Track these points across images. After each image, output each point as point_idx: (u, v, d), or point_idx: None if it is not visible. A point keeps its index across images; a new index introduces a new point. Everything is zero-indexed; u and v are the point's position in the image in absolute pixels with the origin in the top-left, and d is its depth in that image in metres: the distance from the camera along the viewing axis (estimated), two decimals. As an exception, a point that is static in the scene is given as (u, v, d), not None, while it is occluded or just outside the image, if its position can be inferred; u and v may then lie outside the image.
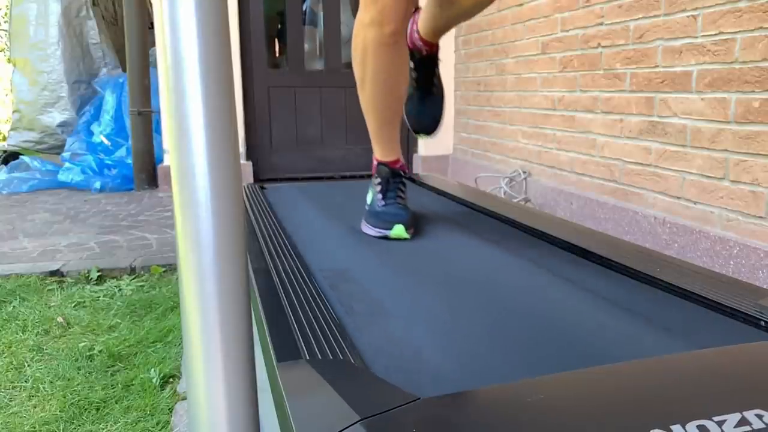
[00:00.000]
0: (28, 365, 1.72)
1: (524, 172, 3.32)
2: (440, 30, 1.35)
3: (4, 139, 6.36)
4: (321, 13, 4.53)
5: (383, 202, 1.26)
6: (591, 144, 2.75)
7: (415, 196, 1.69)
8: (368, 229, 1.25)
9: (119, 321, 2.02)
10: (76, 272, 2.46)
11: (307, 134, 4.52)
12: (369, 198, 1.33)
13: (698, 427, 0.46)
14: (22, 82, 5.13)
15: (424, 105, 1.45)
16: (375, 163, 1.35)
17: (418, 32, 1.37)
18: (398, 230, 1.17)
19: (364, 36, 1.16)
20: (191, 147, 0.46)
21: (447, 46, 4.37)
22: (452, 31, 4.33)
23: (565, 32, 2.90)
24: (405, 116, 1.45)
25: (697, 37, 2.10)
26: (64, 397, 1.54)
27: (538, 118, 3.20)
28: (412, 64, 1.39)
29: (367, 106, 1.26)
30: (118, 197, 4.05)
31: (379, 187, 1.30)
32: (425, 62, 1.41)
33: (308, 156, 4.51)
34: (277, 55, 4.54)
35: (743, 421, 0.46)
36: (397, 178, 1.31)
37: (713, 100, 2.04)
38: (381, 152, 1.33)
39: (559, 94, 2.99)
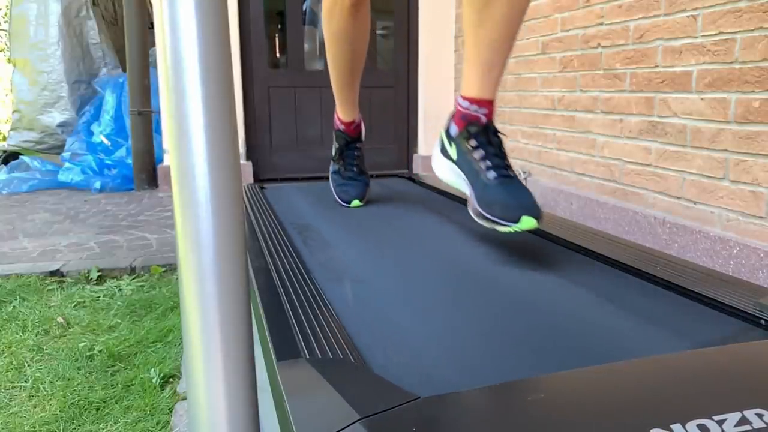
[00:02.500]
0: (28, 365, 1.72)
1: (524, 172, 3.32)
2: (489, 67, 1.10)
3: (4, 139, 6.36)
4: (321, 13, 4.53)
5: (344, 172, 1.57)
6: (591, 144, 2.75)
7: (415, 195, 1.69)
8: (335, 195, 1.57)
9: (119, 321, 2.02)
10: (76, 272, 2.46)
11: (307, 134, 4.52)
12: (333, 151, 1.63)
13: (698, 426, 0.46)
14: (22, 82, 5.13)
15: (507, 187, 1.07)
16: (336, 119, 1.59)
17: (466, 99, 1.12)
18: (354, 203, 1.51)
19: (333, 3, 1.35)
20: (191, 147, 0.46)
21: (447, 46, 4.38)
22: (451, 30, 4.34)
23: (565, 32, 2.90)
24: (487, 212, 1.05)
25: (697, 37, 2.10)
26: (64, 397, 1.54)
27: (538, 118, 3.20)
28: (474, 143, 1.11)
29: (331, 61, 1.46)
30: (118, 197, 4.05)
31: (338, 154, 1.60)
32: (488, 133, 1.11)
33: (308, 156, 4.51)
34: (277, 55, 4.55)
35: (743, 421, 0.46)
36: (351, 146, 1.58)
37: (713, 100, 2.04)
38: (340, 109, 1.55)
39: (559, 94, 2.99)
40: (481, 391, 0.54)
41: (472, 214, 1.09)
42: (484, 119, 1.11)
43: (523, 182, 1.08)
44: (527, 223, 1.00)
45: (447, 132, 1.18)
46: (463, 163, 1.14)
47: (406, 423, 0.48)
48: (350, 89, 1.51)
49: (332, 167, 1.63)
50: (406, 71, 4.55)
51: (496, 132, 1.12)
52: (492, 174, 1.08)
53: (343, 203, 1.52)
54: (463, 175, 1.14)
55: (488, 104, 1.11)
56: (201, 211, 0.47)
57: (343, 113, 1.57)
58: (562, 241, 1.14)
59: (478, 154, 1.11)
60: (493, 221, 1.04)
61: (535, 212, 1.01)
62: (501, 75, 1.12)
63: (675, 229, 2.22)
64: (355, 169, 1.57)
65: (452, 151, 1.16)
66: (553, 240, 1.17)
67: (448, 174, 1.19)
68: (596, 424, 0.48)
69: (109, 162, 4.46)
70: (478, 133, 1.11)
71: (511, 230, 1.02)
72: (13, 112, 5.35)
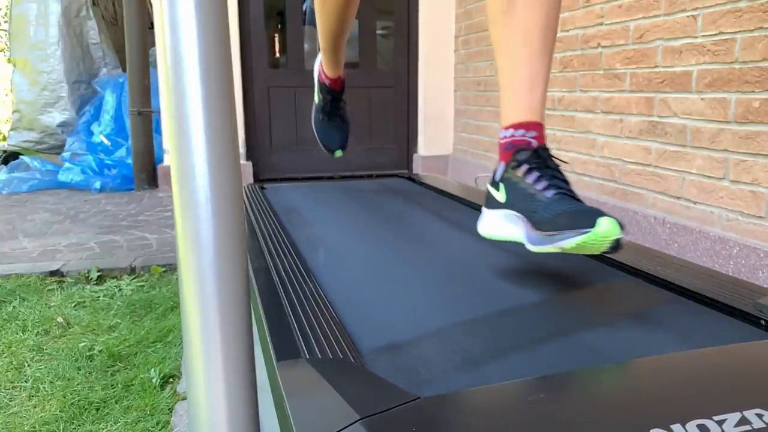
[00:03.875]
0: (28, 365, 1.72)
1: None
2: (530, 84, 0.95)
3: (4, 139, 6.36)
4: (321, 13, 4.52)
5: (329, 122, 1.71)
6: (591, 144, 2.75)
7: (415, 195, 1.69)
8: (319, 143, 1.74)
9: (119, 321, 2.02)
10: (76, 272, 2.46)
11: (307, 134, 4.51)
12: (316, 99, 1.74)
13: (698, 426, 0.46)
14: (22, 82, 5.13)
15: (572, 202, 0.85)
16: (321, 74, 1.67)
17: (509, 127, 0.96)
18: (337, 153, 1.72)
19: None
20: (191, 147, 0.46)
21: (447, 46, 4.37)
22: (451, 30, 4.34)
23: (565, 32, 2.90)
24: (549, 229, 0.84)
25: (697, 37, 2.10)
26: (64, 397, 1.54)
27: (538, 118, 3.20)
28: (526, 168, 0.93)
29: (320, 29, 1.50)
30: (118, 197, 4.05)
31: (322, 104, 1.71)
32: (542, 157, 0.93)
33: (308, 156, 4.51)
34: (277, 55, 4.54)
35: (743, 421, 0.46)
36: (335, 100, 1.69)
37: (713, 100, 2.04)
38: (327, 67, 1.64)
39: (559, 94, 2.99)
40: (480, 391, 0.54)
41: (530, 246, 0.88)
42: (534, 143, 0.94)
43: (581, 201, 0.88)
44: (608, 226, 0.76)
45: (492, 180, 1.00)
46: (513, 197, 0.93)
47: (406, 423, 0.48)
48: (338, 50, 1.60)
49: (316, 115, 1.75)
50: (406, 71, 4.55)
51: (551, 157, 0.94)
52: (551, 192, 0.88)
53: (327, 151, 1.74)
54: (514, 213, 0.93)
55: (537, 127, 0.95)
56: (201, 211, 0.47)
57: (329, 71, 1.66)
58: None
59: (531, 177, 0.91)
60: (559, 237, 0.81)
61: (613, 218, 0.78)
62: (545, 93, 0.97)
63: (675, 229, 2.22)
64: (338, 119, 1.73)
65: (500, 194, 0.96)
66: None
67: (497, 224, 0.97)
68: (596, 424, 0.48)
69: (109, 162, 4.46)
70: (530, 158, 0.93)
71: (584, 242, 0.77)
72: (13, 112, 5.35)
